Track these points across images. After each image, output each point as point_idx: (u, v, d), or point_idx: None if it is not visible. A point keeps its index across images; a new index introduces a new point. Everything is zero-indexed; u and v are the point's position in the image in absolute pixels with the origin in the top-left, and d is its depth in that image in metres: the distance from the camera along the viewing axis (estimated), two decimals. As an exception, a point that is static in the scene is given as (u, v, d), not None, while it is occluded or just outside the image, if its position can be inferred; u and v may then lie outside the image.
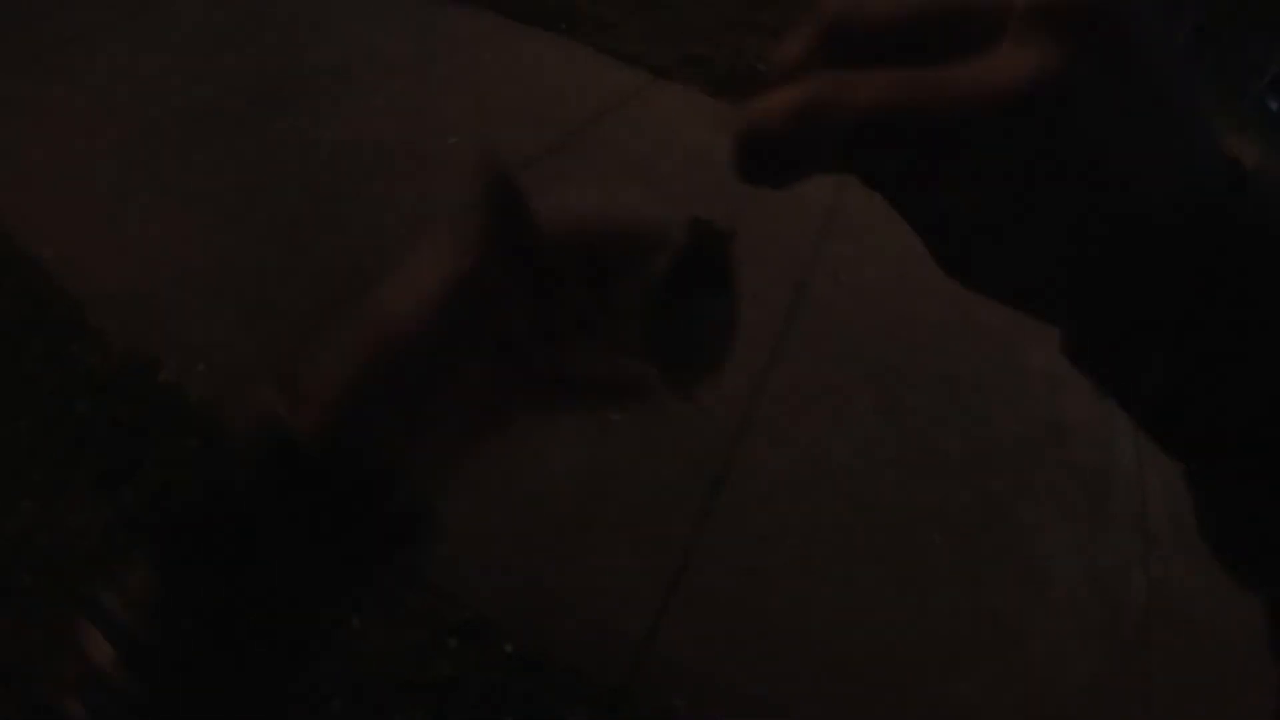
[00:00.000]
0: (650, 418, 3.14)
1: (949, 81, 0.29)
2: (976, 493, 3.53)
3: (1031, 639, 3.08)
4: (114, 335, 3.08)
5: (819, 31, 0.35)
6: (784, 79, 0.35)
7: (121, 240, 3.61)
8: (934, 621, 3.00)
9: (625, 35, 6.57)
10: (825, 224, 4.94)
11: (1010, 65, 0.29)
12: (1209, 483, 0.33)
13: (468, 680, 2.40)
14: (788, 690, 2.65)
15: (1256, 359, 0.29)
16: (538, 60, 5.99)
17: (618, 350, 0.48)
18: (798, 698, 2.64)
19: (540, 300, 0.47)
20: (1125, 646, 3.19)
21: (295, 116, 4.64)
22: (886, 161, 0.34)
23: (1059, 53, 0.28)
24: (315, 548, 0.44)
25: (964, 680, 2.86)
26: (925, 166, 0.32)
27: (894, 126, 0.30)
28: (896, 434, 3.67)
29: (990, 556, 3.29)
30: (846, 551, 3.10)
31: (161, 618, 0.43)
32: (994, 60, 0.29)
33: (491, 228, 0.49)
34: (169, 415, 2.83)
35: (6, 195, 3.72)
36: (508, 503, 2.84)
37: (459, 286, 0.48)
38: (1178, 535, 3.67)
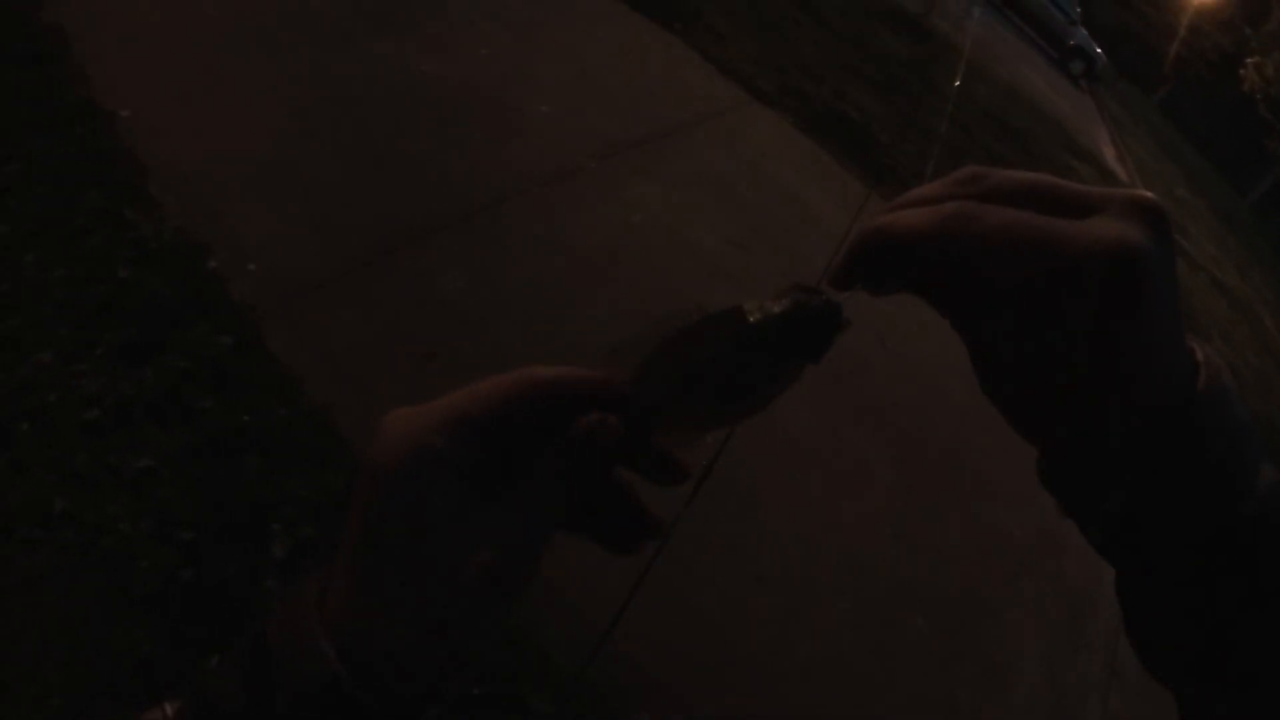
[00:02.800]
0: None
1: (1064, 226, 0.38)
2: (967, 584, 3.52)
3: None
4: (171, 210, 2.99)
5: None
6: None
7: (200, 120, 3.52)
8: (898, 696, 2.96)
9: (735, 51, 6.54)
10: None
11: (1108, 227, 0.38)
12: (1141, 589, 0.41)
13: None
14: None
15: (1191, 505, 0.38)
16: (645, 52, 5.96)
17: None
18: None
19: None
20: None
21: (398, 42, 4.57)
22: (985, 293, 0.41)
23: (1145, 230, 0.39)
24: None
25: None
26: (1022, 307, 0.40)
27: (1016, 258, 0.39)
28: (906, 509, 3.65)
29: (964, 647, 3.25)
30: (832, 609, 3.07)
31: None
32: (1096, 221, 0.39)
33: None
34: (208, 305, 2.74)
35: (101, 46, 3.63)
36: None
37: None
38: (1142, 676, 3.63)
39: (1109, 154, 15.79)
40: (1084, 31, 22.45)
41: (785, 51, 7.32)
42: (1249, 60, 25.36)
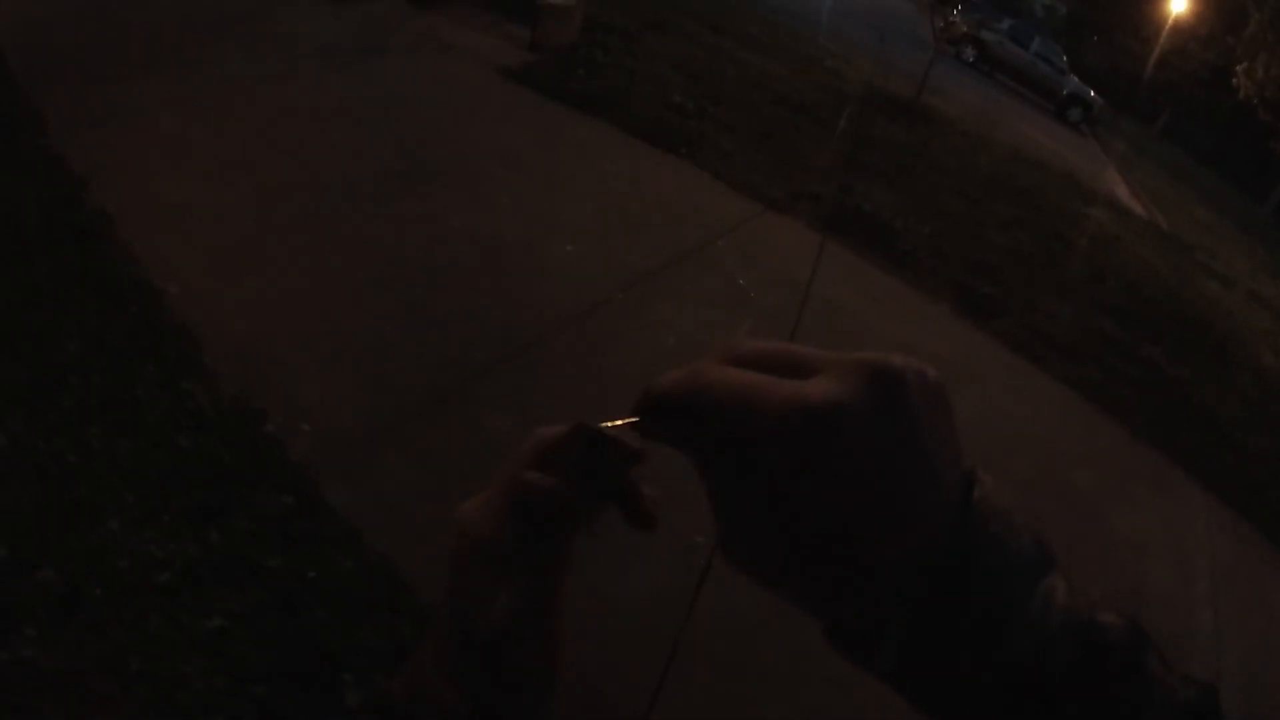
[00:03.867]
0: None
1: (775, 385, 0.39)
2: None
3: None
4: (226, 379, 3.13)
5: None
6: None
7: (247, 290, 3.74)
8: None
9: (742, 165, 6.79)
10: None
11: (816, 387, 0.39)
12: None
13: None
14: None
15: (957, 656, 0.38)
16: (657, 179, 6.21)
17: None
18: None
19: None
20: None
21: (426, 201, 4.86)
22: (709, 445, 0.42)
23: (856, 389, 0.38)
24: None
25: None
26: (733, 457, 0.40)
27: (729, 413, 0.40)
28: None
29: None
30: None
31: None
32: (811, 381, 0.39)
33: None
34: (267, 467, 2.85)
35: (144, 226, 3.88)
36: (580, 622, 2.88)
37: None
38: (1254, 701, 3.59)
39: (1122, 193, 15.92)
40: (1075, 79, 22.93)
41: (790, 157, 7.58)
42: (1238, 68, 25.55)
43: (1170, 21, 26.79)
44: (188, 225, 4.09)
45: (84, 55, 5.74)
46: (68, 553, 2.41)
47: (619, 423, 0.46)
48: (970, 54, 22.72)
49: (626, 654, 2.76)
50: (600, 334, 4.21)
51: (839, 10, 21.62)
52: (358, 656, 2.44)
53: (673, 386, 0.42)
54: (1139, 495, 4.82)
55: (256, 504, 2.71)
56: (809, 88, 10.53)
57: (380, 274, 4.16)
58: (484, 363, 3.75)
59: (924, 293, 6.08)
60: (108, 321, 3.28)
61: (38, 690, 2.11)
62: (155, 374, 3.07)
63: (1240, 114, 27.48)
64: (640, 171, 6.27)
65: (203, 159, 4.65)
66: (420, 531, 2.86)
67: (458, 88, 6.83)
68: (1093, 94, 22.99)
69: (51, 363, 3.02)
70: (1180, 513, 4.86)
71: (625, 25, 10.01)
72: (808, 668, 2.81)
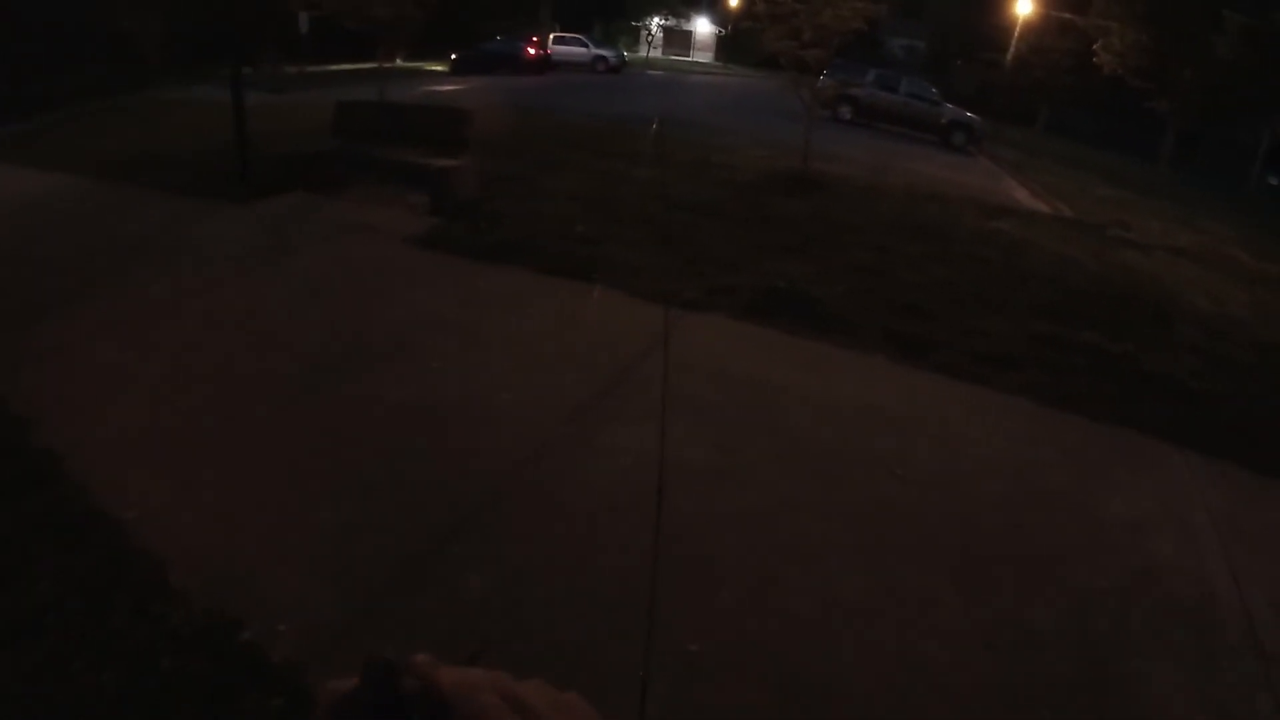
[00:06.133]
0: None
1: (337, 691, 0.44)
2: (1077, 659, 3.43)
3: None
4: (196, 594, 3.20)
5: None
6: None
7: (202, 502, 3.83)
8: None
9: (654, 277, 7.02)
10: (863, 421, 5.14)
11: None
12: None
13: None
14: None
15: None
16: (576, 309, 6.45)
17: None
18: None
19: None
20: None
21: (361, 381, 5.03)
22: None
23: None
24: None
25: None
26: None
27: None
28: (983, 617, 3.61)
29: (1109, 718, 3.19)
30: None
31: None
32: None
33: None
34: (252, 675, 2.89)
35: (92, 457, 4.00)
36: None
37: None
38: None
39: (1023, 196, 16.47)
40: (950, 106, 23.97)
41: (698, 256, 7.83)
42: (1095, 46, 26.87)
43: (1019, 25, 28.16)
44: (135, 447, 4.21)
45: (8, 297, 5.92)
46: None
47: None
48: (846, 112, 23.77)
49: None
50: (553, 470, 4.32)
51: (714, 107, 22.60)
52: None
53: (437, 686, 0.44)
54: (1120, 477, 4.92)
55: (248, 713, 2.75)
56: (704, 186, 10.98)
57: (328, 459, 4.27)
58: (449, 525, 3.82)
59: (857, 350, 6.25)
60: (73, 558, 3.36)
61: None
62: (127, 603, 3.14)
63: (1111, 88, 28.81)
64: (558, 306, 6.52)
65: (141, 379, 4.82)
66: None
67: (374, 264, 7.12)
68: (970, 115, 23.99)
69: (25, 607, 3.08)
70: (1165, 480, 4.97)
71: (520, 171, 10.45)
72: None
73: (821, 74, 14.26)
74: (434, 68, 29.02)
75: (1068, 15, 28.77)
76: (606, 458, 4.42)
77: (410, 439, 4.49)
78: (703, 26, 52.33)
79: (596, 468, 4.34)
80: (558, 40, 33.94)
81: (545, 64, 30.98)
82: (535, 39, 31.25)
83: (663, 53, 50.63)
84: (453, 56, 29.13)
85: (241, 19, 16.66)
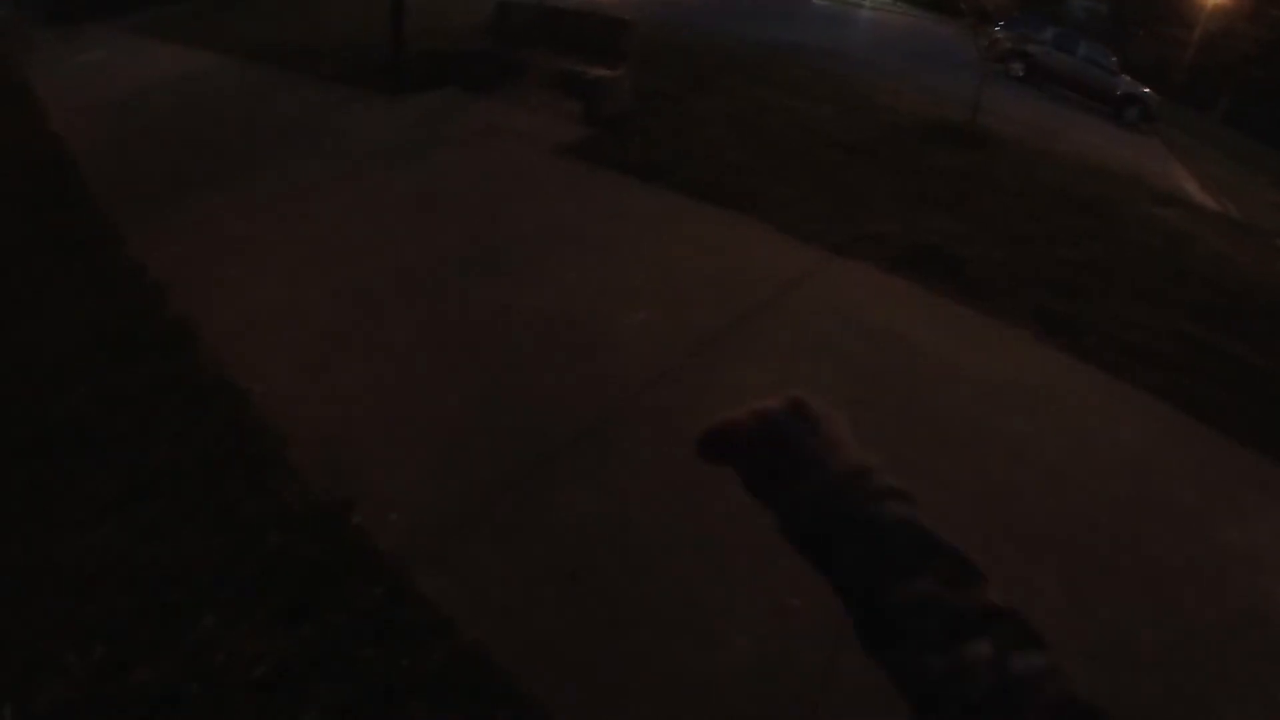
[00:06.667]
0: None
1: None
2: (1171, 686, 3.30)
3: None
4: (311, 473, 3.21)
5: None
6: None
7: (328, 384, 3.86)
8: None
9: (804, 216, 6.78)
10: (997, 394, 5.01)
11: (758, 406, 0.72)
12: None
13: None
14: None
15: None
16: (720, 237, 6.26)
17: None
18: None
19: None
20: None
21: (495, 283, 4.98)
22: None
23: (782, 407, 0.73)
24: None
25: None
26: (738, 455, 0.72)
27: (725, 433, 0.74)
28: (1085, 625, 3.49)
29: None
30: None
31: None
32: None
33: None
34: (357, 560, 2.88)
35: (225, 328, 4.05)
36: (682, 694, 2.77)
37: None
38: None
39: (1191, 188, 15.52)
40: (1127, 78, 22.46)
41: (849, 199, 7.58)
42: None
43: (1211, 4, 26.16)
44: (267, 323, 4.26)
45: (156, 170, 6.12)
46: (164, 651, 2.47)
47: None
48: (1018, 68, 22.48)
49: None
50: (674, 401, 4.21)
51: (880, 45, 21.71)
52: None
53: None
54: (1247, 504, 4.67)
55: (348, 597, 2.76)
56: (861, 126, 10.56)
57: (456, 359, 4.26)
58: (561, 439, 3.78)
59: (1003, 320, 6.02)
60: (196, 424, 3.42)
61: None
62: (243, 473, 3.18)
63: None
64: (703, 232, 6.34)
65: (277, 259, 4.86)
66: (510, 615, 2.88)
67: (519, 169, 7.05)
68: (1147, 91, 22.49)
69: (143, 470, 3.13)
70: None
71: (674, 90, 10.23)
72: None
73: (998, 25, 13.54)
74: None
75: (1263, 2, 26.61)
76: (730, 393, 4.38)
77: (537, 347, 4.45)
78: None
79: (717, 402, 4.28)
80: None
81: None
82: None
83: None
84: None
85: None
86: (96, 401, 3.47)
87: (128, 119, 7.95)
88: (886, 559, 0.63)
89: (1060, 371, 5.53)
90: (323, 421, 3.63)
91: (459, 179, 6.55)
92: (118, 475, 3.11)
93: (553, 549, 3.14)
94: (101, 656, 2.42)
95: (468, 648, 2.69)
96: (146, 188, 5.50)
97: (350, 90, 8.65)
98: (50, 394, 3.50)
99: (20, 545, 2.77)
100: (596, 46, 9.43)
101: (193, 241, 4.94)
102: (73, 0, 13.73)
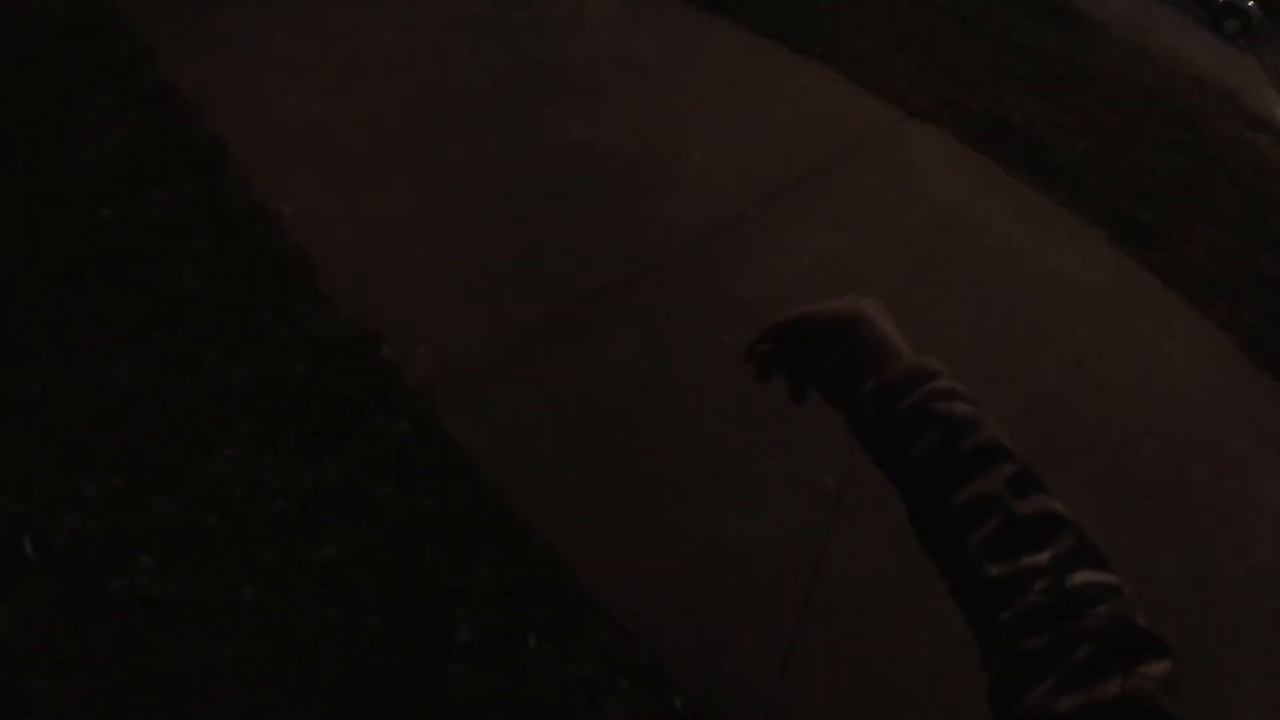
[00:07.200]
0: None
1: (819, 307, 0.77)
2: (1184, 635, 3.16)
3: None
4: (342, 302, 3.05)
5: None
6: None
7: (361, 211, 3.61)
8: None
9: (881, 70, 6.27)
10: (1063, 296, 4.63)
11: (825, 307, 0.76)
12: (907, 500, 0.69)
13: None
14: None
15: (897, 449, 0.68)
16: (789, 84, 5.79)
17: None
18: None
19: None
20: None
21: (545, 112, 4.59)
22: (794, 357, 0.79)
23: (846, 304, 0.75)
24: None
25: None
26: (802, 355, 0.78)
27: (792, 332, 0.78)
28: (1114, 553, 3.31)
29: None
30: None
31: None
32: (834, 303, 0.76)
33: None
34: (385, 392, 2.76)
35: (259, 149, 3.77)
36: (708, 562, 2.69)
37: None
38: None
39: (1284, 116, 14.63)
40: (1232, -14, 20.97)
41: (932, 60, 7.00)
42: None
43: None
44: (302, 146, 3.96)
45: None
46: (184, 483, 2.37)
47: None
48: (1124, -47, 20.97)
49: (759, 604, 2.57)
50: (728, 254, 3.94)
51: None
52: (472, 593, 2.35)
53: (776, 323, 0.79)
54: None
55: (373, 432, 2.63)
56: (954, -16, 9.77)
57: (498, 191, 3.96)
58: (606, 285, 3.55)
59: (1077, 216, 5.56)
60: (224, 248, 3.21)
61: (153, 620, 2.07)
62: (271, 300, 3.00)
63: None
64: (771, 75, 5.85)
65: (314, 78, 4.49)
66: (538, 462, 2.75)
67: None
68: (1251, 3, 21.05)
69: (168, 296, 2.95)
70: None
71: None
72: (934, 626, 2.58)
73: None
74: None
75: None
76: (786, 252, 4.04)
77: (586, 185, 4.13)
78: None
79: (772, 260, 3.96)
80: None
81: None
82: None
83: None
84: None
85: None
86: (124, 225, 3.24)
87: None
88: (950, 461, 0.64)
89: (1129, 282, 5.17)
90: (356, 249, 3.40)
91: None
92: (143, 301, 2.93)
93: (588, 398, 3.00)
94: (120, 487, 2.33)
95: (491, 492, 2.58)
96: (178, 2, 4.95)
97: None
98: (77, 218, 3.26)
99: (40, 376, 2.62)
100: None
101: (227, 57, 4.53)
102: None
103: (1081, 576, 0.57)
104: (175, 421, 2.52)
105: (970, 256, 4.61)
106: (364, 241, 3.44)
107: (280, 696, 2.03)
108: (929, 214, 4.79)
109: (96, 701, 1.94)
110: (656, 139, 4.64)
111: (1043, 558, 0.57)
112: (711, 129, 4.90)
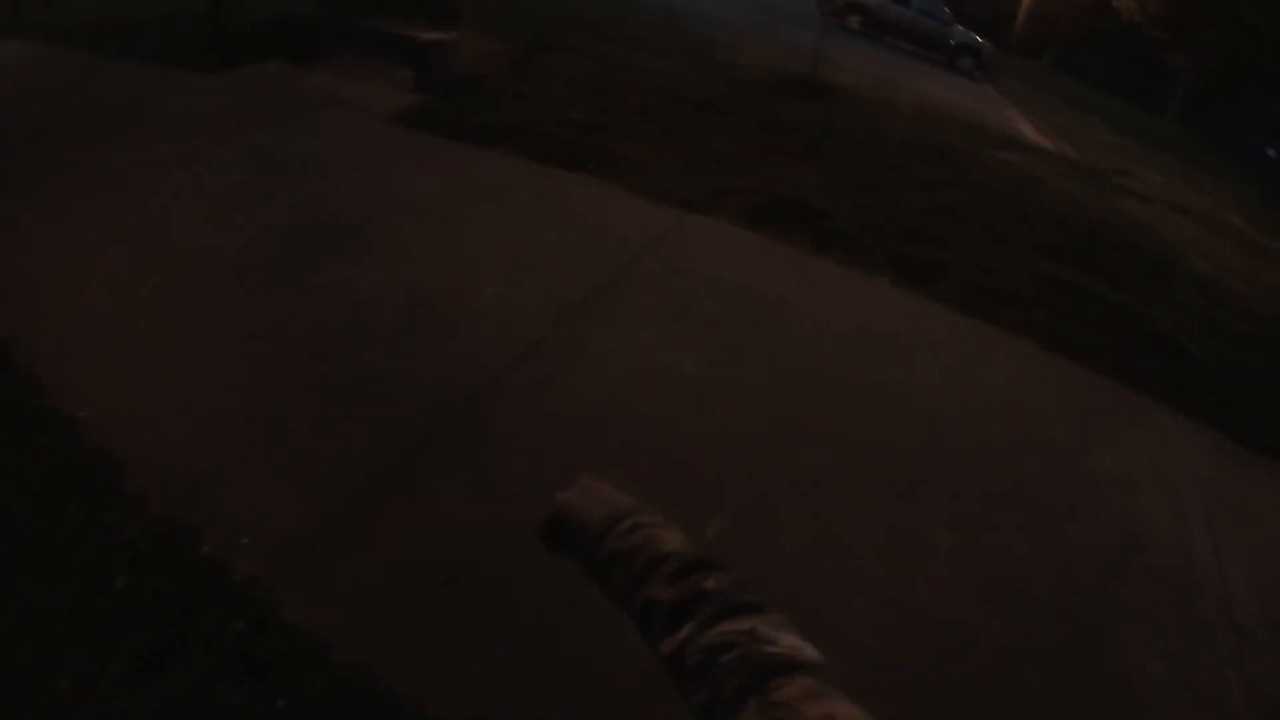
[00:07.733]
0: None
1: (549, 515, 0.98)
2: (1064, 617, 3.30)
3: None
4: (154, 501, 2.92)
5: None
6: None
7: (159, 401, 3.48)
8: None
9: (654, 174, 6.65)
10: (863, 343, 4.92)
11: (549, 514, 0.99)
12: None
13: None
14: None
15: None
16: (571, 202, 6.05)
17: None
18: None
19: None
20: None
21: (336, 268, 4.61)
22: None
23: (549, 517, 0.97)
24: None
25: None
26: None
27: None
28: (975, 567, 3.45)
29: (1088, 685, 3.03)
30: (939, 699, 2.89)
31: None
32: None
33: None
34: (213, 592, 2.63)
35: (45, 347, 3.62)
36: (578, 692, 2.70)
37: None
38: (1265, 626, 3.52)
39: (1028, 131, 16.09)
40: (960, 28, 23.32)
41: (698, 155, 7.44)
42: None
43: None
44: (91, 338, 3.82)
45: None
46: None
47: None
48: (855, 21, 23.02)
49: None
50: (539, 377, 4.00)
51: (722, 1, 21.65)
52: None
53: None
54: (1113, 431, 4.74)
55: (210, 636, 2.51)
56: (707, 81, 10.46)
57: (299, 354, 3.92)
58: (425, 431, 3.54)
59: (860, 269, 5.96)
60: (21, 460, 3.03)
61: None
62: (79, 511, 2.84)
63: (1126, 36, 28.14)
64: (551, 197, 6.10)
65: (99, 263, 4.37)
66: (387, 629, 2.68)
67: (353, 142, 6.59)
68: (980, 40, 23.37)
69: None
70: (1156, 440, 4.80)
71: (513, 51, 9.80)
72: None
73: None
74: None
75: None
76: (596, 363, 4.14)
77: (386, 332, 4.14)
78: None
79: (584, 374, 4.07)
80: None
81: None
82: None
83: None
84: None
85: None
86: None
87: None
88: (631, 577, 0.82)
89: (922, 316, 5.55)
90: (161, 441, 3.27)
91: (288, 157, 6.03)
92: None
93: (426, 553, 2.94)
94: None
95: (346, 673, 2.50)
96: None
97: (169, 70, 7.81)
98: None
99: None
100: (428, 9, 8.95)
101: (6, 247, 4.38)
102: None
103: (717, 630, 0.72)
104: (1, 657, 2.36)
105: (770, 330, 4.84)
106: (167, 432, 3.32)
107: None
108: (725, 298, 5.03)
109: None
110: (447, 277, 4.72)
111: (687, 630, 0.73)
112: (502, 258, 5.04)
